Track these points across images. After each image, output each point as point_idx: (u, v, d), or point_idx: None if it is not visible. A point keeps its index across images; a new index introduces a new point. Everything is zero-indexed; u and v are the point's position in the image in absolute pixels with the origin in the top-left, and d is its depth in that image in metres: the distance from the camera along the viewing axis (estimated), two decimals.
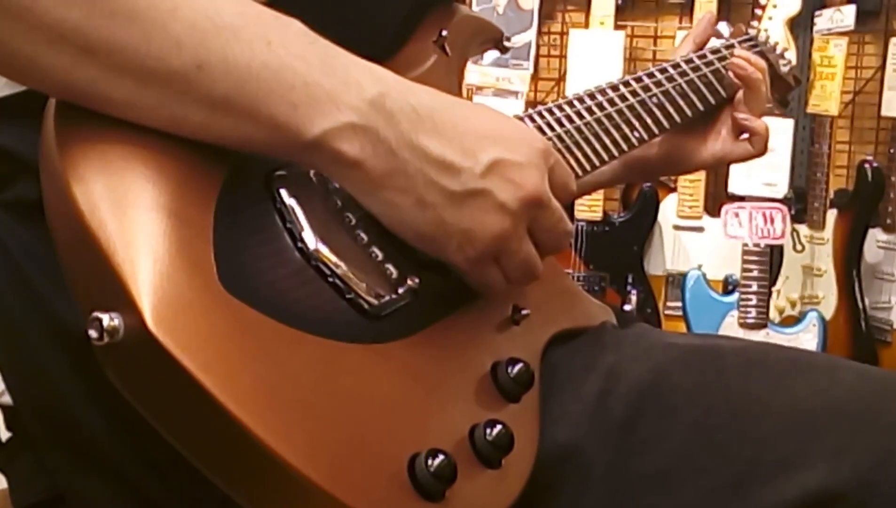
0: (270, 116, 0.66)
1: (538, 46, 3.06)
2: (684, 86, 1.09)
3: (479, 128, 0.73)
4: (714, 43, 1.19)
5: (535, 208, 0.74)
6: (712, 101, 1.12)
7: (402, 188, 0.70)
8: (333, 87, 0.67)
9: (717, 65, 1.13)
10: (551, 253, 0.78)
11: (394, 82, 0.70)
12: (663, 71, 1.08)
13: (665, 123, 1.05)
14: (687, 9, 3.05)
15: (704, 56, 1.14)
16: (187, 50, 0.64)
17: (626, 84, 1.04)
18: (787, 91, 1.29)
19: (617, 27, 2.95)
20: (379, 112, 0.68)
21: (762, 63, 1.14)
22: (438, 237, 0.71)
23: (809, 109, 2.87)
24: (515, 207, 0.72)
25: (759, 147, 1.13)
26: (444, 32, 0.94)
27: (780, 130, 2.69)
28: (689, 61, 1.12)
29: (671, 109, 1.06)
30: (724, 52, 1.16)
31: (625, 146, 1.00)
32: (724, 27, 1.23)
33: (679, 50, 1.16)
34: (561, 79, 3.13)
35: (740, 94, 1.13)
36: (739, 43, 1.19)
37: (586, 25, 2.99)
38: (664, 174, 1.19)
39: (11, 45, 0.62)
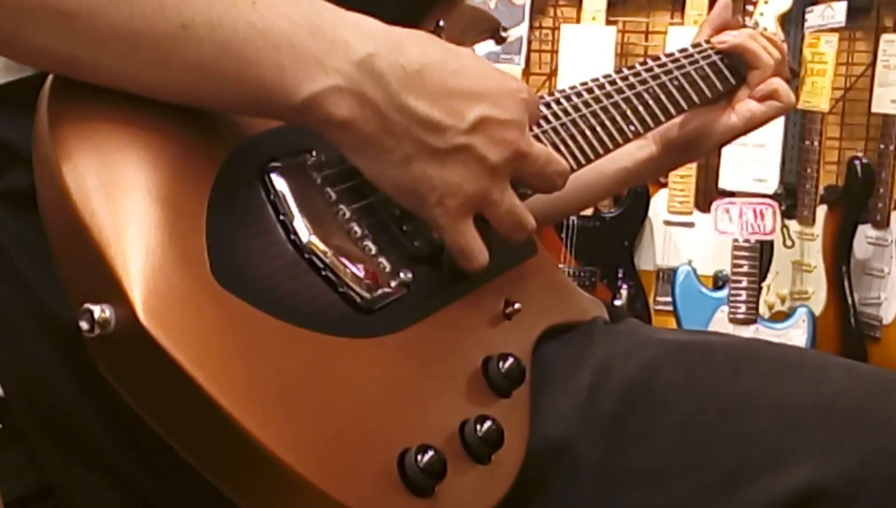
0: (258, 77, 0.66)
1: (530, 41, 3.06)
2: (693, 73, 1.09)
3: (468, 84, 0.73)
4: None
5: (517, 160, 0.75)
6: (721, 88, 1.11)
7: (389, 146, 0.70)
8: (320, 48, 0.67)
9: (714, 57, 1.13)
10: (547, 192, 0.80)
11: (384, 39, 0.70)
12: (662, 63, 1.08)
13: (661, 116, 1.05)
14: (678, 4, 3.05)
15: (699, 44, 1.14)
16: (171, 9, 0.63)
17: (636, 72, 1.03)
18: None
19: (608, 22, 2.95)
20: (367, 74, 0.68)
21: (778, 51, 1.15)
22: (420, 190, 0.72)
23: (800, 106, 2.87)
24: (496, 160, 0.73)
25: (787, 99, 1.13)
26: (442, 23, 0.94)
27: (771, 126, 2.67)
28: (696, 45, 1.12)
29: (667, 102, 1.06)
30: (691, 50, 1.16)
31: (620, 139, 1.00)
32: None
33: (698, 36, 1.16)
34: (552, 74, 3.13)
35: (753, 73, 1.13)
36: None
37: (578, 21, 2.99)
38: (702, 153, 1.17)
39: None
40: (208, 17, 0.64)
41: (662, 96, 1.05)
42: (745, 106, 1.12)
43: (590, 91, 0.98)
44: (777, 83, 1.12)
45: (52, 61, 0.64)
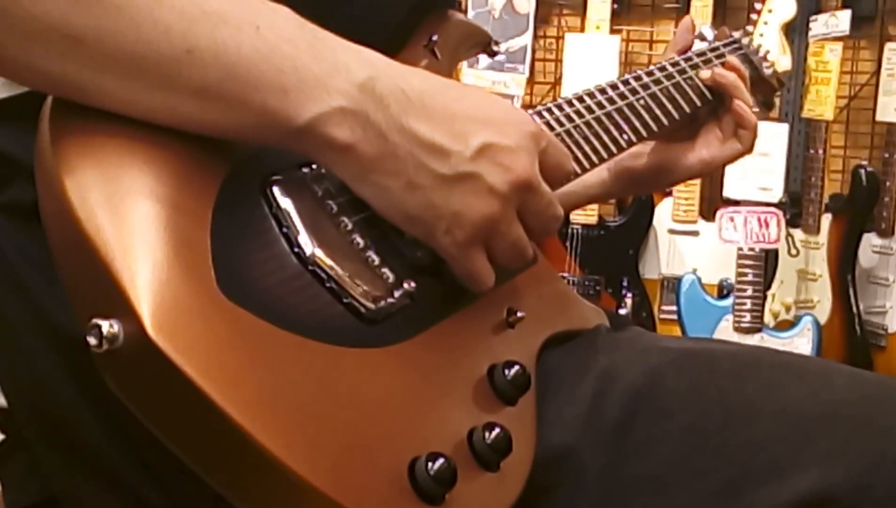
0: (261, 101, 0.66)
1: (534, 50, 3.07)
2: (671, 89, 1.10)
3: (470, 111, 0.73)
4: (699, 46, 1.20)
5: (525, 191, 0.74)
6: (699, 103, 1.12)
7: (392, 172, 0.70)
8: (323, 71, 0.67)
9: (703, 65, 1.14)
10: (540, 237, 0.79)
11: (383, 66, 0.71)
12: (650, 74, 1.09)
13: (654, 126, 1.06)
14: (682, 13, 3.05)
15: (690, 59, 1.14)
16: (176, 35, 0.64)
17: (614, 87, 1.04)
18: (772, 93, 1.30)
19: (612, 31, 2.96)
20: (368, 96, 0.68)
21: (737, 63, 1.15)
22: (427, 220, 0.71)
23: (805, 114, 2.88)
24: (505, 190, 0.72)
25: (748, 142, 1.14)
26: (435, 37, 0.94)
27: (776, 135, 2.70)
28: (675, 64, 1.12)
29: (658, 112, 1.07)
30: (710, 54, 1.17)
31: (614, 148, 1.00)
32: (708, 31, 1.23)
33: (663, 57, 1.17)
34: (557, 83, 3.14)
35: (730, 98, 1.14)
36: (723, 46, 1.20)
37: (582, 29, 2.99)
38: (655, 187, 1.19)
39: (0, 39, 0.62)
40: (213, 42, 0.64)
41: (655, 107, 1.06)
42: (707, 149, 1.14)
43: (581, 101, 0.99)
44: (753, 123, 1.13)
45: (57, 85, 0.64)
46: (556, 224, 0.78)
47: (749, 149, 1.15)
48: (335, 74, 0.68)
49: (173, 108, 0.65)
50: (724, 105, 1.14)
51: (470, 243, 0.73)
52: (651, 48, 3.20)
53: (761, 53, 1.26)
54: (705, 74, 1.14)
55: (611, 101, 1.03)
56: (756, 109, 1.16)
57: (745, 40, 1.24)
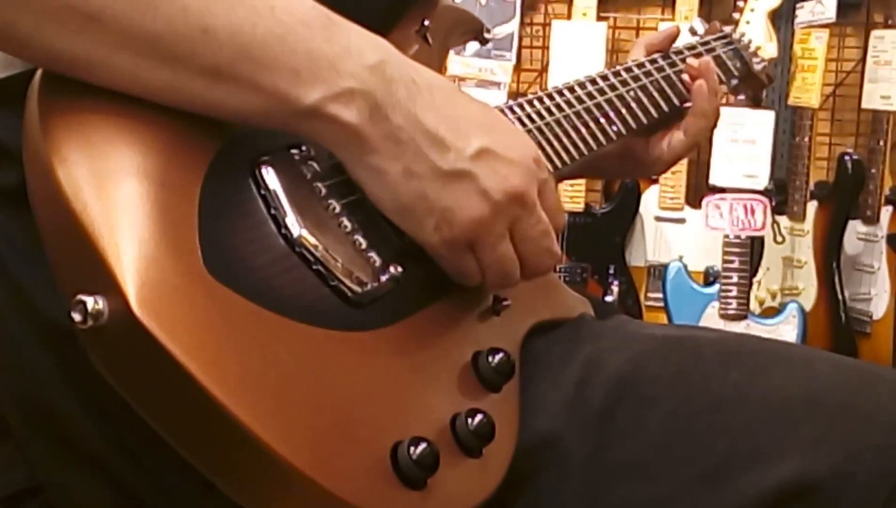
0: (272, 82, 0.66)
1: (521, 37, 3.06)
2: (661, 81, 1.09)
3: (477, 116, 0.74)
4: (690, 40, 1.20)
5: (519, 206, 0.74)
6: (677, 102, 1.11)
7: (391, 155, 0.70)
8: (335, 53, 0.68)
9: (681, 66, 1.13)
10: (532, 272, 0.77)
11: (395, 52, 0.71)
12: (641, 66, 1.09)
13: (643, 118, 1.06)
14: (669, 1, 3.05)
15: (681, 52, 1.14)
16: (193, 14, 0.64)
17: (605, 78, 1.04)
18: (761, 89, 1.30)
19: (599, 18, 2.95)
20: (378, 78, 0.69)
21: (706, 64, 1.13)
22: (418, 211, 0.72)
23: (790, 102, 2.88)
24: (498, 197, 0.72)
25: (693, 137, 1.12)
26: (427, 22, 0.94)
27: (761, 123, 2.70)
28: (665, 57, 1.12)
29: (648, 104, 1.07)
30: (700, 48, 1.17)
31: (603, 140, 1.00)
32: (699, 24, 1.23)
33: (630, 55, 1.16)
34: (543, 70, 3.14)
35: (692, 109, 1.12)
36: (714, 40, 1.20)
37: (569, 17, 2.99)
38: (620, 176, 1.19)
39: (12, 16, 0.62)
40: (228, 22, 0.65)
41: (644, 99, 1.06)
42: (658, 145, 1.13)
43: (571, 90, 0.99)
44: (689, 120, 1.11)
45: (64, 62, 0.64)
46: (550, 261, 0.77)
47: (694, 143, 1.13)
48: (347, 57, 0.68)
49: (182, 87, 0.66)
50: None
51: (456, 242, 0.73)
52: (638, 36, 3.19)
53: (752, 48, 1.26)
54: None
55: (602, 91, 1.03)
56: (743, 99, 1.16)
57: (735, 35, 1.24)
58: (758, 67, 1.25)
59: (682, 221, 3.00)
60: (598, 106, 1.02)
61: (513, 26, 2.98)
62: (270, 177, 0.70)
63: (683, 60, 1.13)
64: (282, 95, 0.66)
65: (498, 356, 0.73)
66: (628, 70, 1.07)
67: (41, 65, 0.65)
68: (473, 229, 0.73)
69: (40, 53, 0.64)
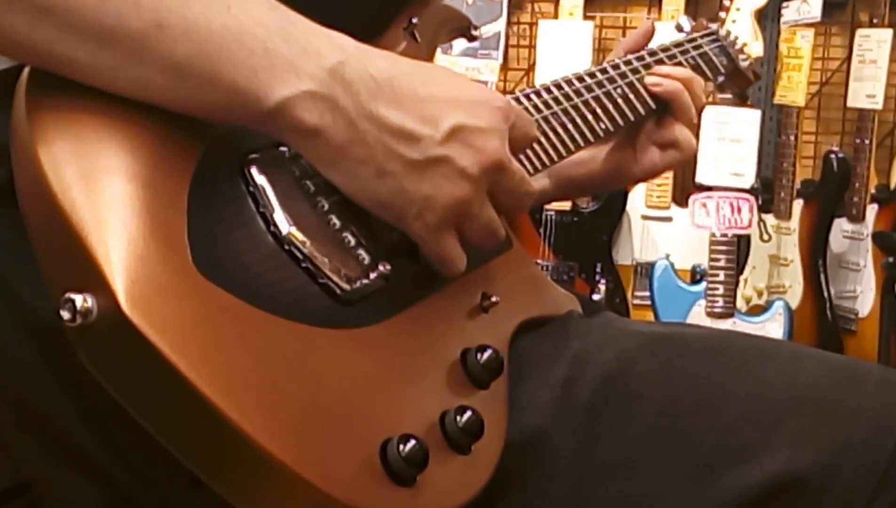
0: (231, 80, 0.66)
1: (507, 37, 3.07)
2: (636, 84, 1.09)
3: (439, 93, 0.73)
4: (677, 37, 1.19)
5: (496, 172, 0.74)
6: (642, 111, 1.09)
7: (361, 159, 0.70)
8: (293, 54, 0.67)
9: (674, 59, 1.13)
10: (513, 214, 0.79)
11: (353, 50, 0.70)
12: (628, 63, 1.09)
13: (620, 121, 1.05)
14: (655, 0, 3.06)
15: (655, 53, 1.13)
16: (146, 9, 0.64)
17: (592, 75, 1.04)
18: (747, 86, 1.30)
19: (586, 18, 2.96)
20: (338, 81, 0.68)
21: (683, 73, 1.10)
22: (398, 205, 0.72)
23: (776, 100, 2.89)
24: (476, 172, 0.72)
25: (687, 152, 1.10)
26: (415, 20, 0.94)
27: (748, 121, 2.71)
28: (640, 59, 1.11)
29: (625, 107, 1.06)
30: (686, 45, 1.16)
31: (591, 137, 1.01)
32: (685, 22, 1.23)
33: (609, 56, 1.14)
34: (530, 69, 3.14)
35: (670, 119, 1.10)
36: (700, 37, 1.20)
37: (555, 16, 2.99)
38: (595, 192, 1.17)
39: None
40: (183, 18, 0.64)
41: (620, 100, 1.06)
42: (648, 157, 1.10)
43: (559, 87, 0.99)
44: (680, 133, 1.09)
45: (30, 55, 0.64)
46: (529, 201, 0.78)
47: (688, 157, 1.11)
48: (305, 58, 0.67)
49: (144, 85, 0.65)
50: (666, 112, 1.10)
51: (441, 226, 0.73)
52: (624, 35, 3.20)
53: (738, 45, 1.26)
54: (651, 80, 1.09)
55: (589, 89, 1.03)
56: (730, 97, 1.15)
57: (722, 32, 1.24)
58: (744, 64, 1.25)
59: (668, 219, 3.01)
60: (595, 99, 1.02)
61: (499, 25, 2.98)
62: (259, 175, 0.70)
63: (659, 62, 1.12)
64: (242, 93, 0.66)
65: (486, 353, 0.73)
66: (603, 71, 1.06)
67: (12, 57, 0.65)
68: (457, 208, 0.73)
69: (5, 43, 0.64)
